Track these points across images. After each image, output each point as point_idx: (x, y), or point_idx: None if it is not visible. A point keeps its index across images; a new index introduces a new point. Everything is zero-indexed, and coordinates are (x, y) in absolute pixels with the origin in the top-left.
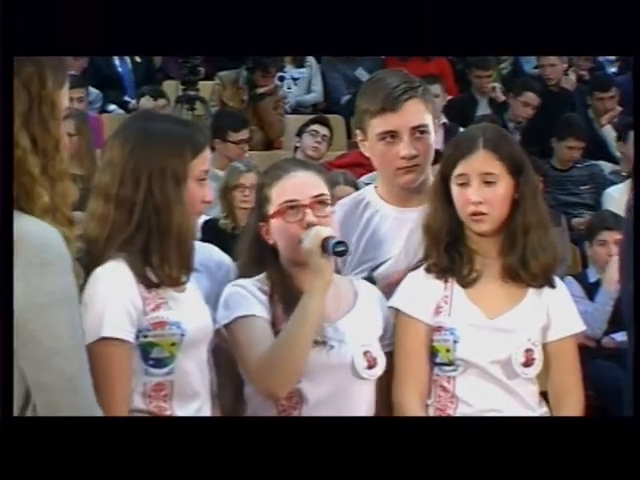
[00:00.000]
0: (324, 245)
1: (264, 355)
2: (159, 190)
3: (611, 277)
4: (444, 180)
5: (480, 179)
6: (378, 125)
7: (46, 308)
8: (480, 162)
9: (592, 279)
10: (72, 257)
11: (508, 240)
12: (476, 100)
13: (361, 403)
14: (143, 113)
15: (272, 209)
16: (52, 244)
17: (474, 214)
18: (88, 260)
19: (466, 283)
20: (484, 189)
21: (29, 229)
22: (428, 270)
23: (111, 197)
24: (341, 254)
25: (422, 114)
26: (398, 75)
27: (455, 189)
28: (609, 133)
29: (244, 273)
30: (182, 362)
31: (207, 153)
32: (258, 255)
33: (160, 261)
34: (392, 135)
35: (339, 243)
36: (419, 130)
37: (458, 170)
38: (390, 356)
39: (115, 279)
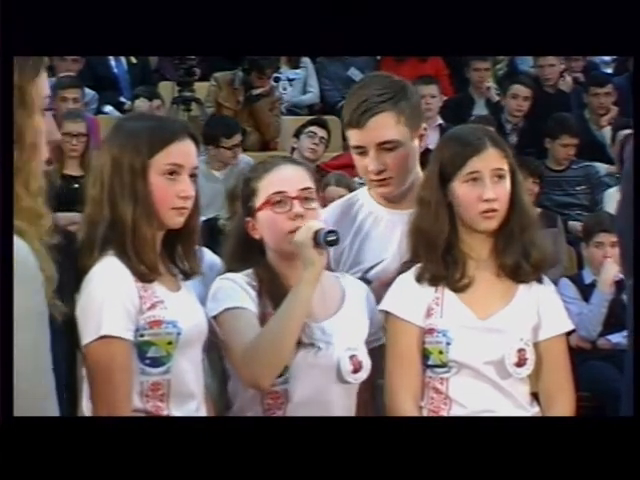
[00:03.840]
0: (316, 237)
1: (251, 343)
2: (117, 184)
3: (606, 279)
4: (443, 182)
5: (492, 175)
6: (349, 138)
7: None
8: (492, 159)
9: (587, 280)
10: (46, 257)
11: (504, 239)
12: (473, 100)
13: (341, 404)
14: (129, 115)
15: (259, 202)
16: (17, 260)
17: (486, 211)
18: (81, 262)
19: (458, 288)
20: (496, 186)
21: None
22: (419, 279)
23: (89, 198)
24: (333, 243)
25: (390, 129)
26: (379, 83)
27: (462, 187)
28: (608, 134)
29: (230, 271)
30: (178, 361)
31: (174, 148)
32: (244, 254)
33: (134, 255)
34: (360, 150)
35: (330, 232)
36: (385, 147)
37: (469, 168)
38: (373, 352)
39: (112, 277)
